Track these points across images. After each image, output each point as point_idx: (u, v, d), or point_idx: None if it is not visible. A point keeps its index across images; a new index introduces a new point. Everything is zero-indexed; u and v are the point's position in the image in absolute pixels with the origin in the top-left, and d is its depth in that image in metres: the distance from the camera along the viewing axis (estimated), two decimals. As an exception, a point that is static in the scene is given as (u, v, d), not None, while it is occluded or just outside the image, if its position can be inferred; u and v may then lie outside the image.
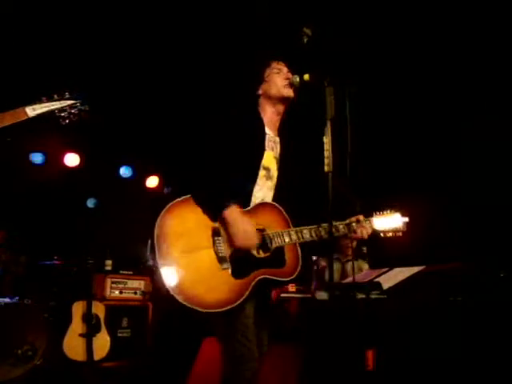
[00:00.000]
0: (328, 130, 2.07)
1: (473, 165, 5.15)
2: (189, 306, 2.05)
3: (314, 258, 4.60)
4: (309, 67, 2.31)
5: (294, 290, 4.66)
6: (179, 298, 2.05)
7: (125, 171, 6.67)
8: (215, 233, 2.20)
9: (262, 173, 2.40)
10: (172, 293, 2.05)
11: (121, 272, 5.34)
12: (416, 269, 3.26)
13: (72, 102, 2.42)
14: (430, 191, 5.36)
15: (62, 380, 4.35)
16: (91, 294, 4.68)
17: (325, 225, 2.30)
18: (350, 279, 4.06)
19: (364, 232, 2.44)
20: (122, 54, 4.83)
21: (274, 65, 2.52)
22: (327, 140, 2.06)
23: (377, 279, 3.28)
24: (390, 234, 2.49)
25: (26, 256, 4.81)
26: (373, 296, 3.56)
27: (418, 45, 4.43)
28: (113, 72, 5.01)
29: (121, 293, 5.23)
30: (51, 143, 5.84)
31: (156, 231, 2.12)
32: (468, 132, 5.00)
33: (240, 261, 2.19)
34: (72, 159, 6.21)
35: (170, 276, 2.07)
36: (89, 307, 4.56)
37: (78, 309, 4.56)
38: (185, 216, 2.19)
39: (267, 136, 2.47)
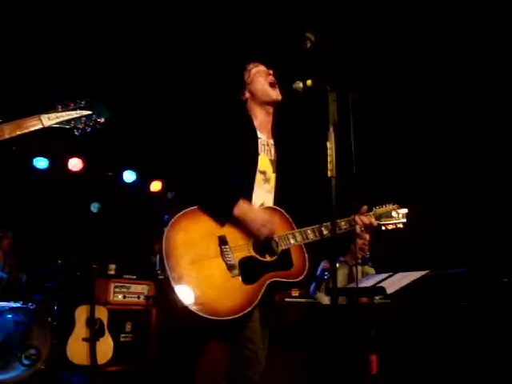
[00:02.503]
0: (331, 135, 2.07)
1: (477, 170, 5.14)
2: (202, 315, 2.02)
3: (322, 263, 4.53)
4: (312, 72, 2.32)
5: (297, 294, 4.62)
6: (192, 308, 2.02)
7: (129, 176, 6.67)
8: (222, 242, 2.20)
9: (259, 177, 2.40)
10: (185, 304, 2.02)
11: (124, 276, 5.35)
12: (420, 273, 3.25)
13: (88, 112, 2.25)
14: (435, 196, 5.35)
15: (66, 384, 4.36)
16: (94, 299, 4.69)
17: (327, 223, 2.30)
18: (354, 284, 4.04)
19: (367, 223, 2.44)
20: (121, 59, 4.84)
21: (252, 66, 2.52)
22: (330, 145, 2.06)
23: (380, 284, 3.27)
24: (391, 227, 2.51)
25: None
26: (377, 301, 3.56)
27: (420, 50, 4.44)
28: (115, 78, 5.03)
29: (124, 297, 5.24)
30: (55, 148, 5.87)
31: (164, 245, 2.12)
32: (471, 136, 5.00)
33: (249, 266, 2.20)
34: (75, 164, 6.23)
35: (182, 287, 2.06)
36: (92, 312, 4.57)
37: (81, 313, 4.57)
38: (190, 228, 2.20)
39: (260, 140, 2.47)
